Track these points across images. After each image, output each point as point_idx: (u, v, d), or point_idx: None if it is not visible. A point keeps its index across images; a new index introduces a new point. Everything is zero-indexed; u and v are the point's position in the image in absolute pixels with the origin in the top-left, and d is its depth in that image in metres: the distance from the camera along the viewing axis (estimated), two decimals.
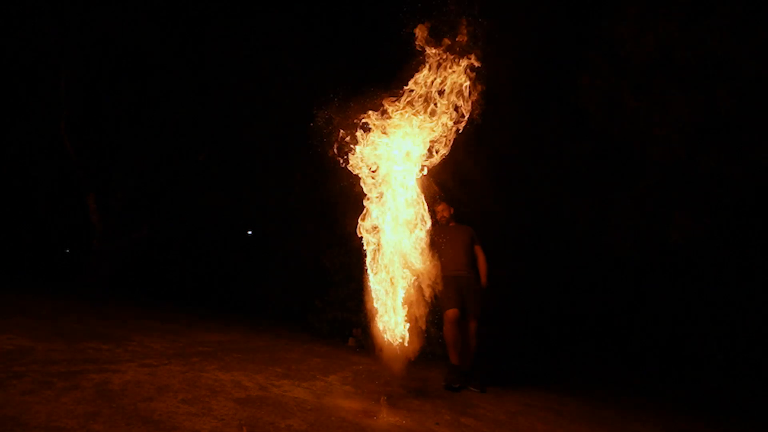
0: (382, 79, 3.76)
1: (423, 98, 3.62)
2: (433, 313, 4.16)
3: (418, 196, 3.63)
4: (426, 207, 3.68)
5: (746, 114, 5.84)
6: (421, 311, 3.57)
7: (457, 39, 3.61)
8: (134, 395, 2.51)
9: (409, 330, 3.49)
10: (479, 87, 3.65)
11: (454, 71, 3.64)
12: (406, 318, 3.46)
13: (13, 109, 9.95)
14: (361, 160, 3.60)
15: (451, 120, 3.63)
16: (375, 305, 3.51)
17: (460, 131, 3.67)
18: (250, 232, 12.68)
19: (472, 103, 3.65)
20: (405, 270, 3.51)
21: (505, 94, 8.11)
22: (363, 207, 3.63)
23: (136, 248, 10.91)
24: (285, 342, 5.69)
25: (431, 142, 3.65)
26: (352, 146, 3.60)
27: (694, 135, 6.08)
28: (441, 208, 4.62)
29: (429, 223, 3.68)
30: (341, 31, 10.22)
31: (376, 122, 3.57)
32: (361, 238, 3.57)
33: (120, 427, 2.07)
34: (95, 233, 10.03)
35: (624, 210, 7.11)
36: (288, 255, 10.06)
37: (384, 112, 3.59)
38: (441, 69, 3.66)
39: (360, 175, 3.63)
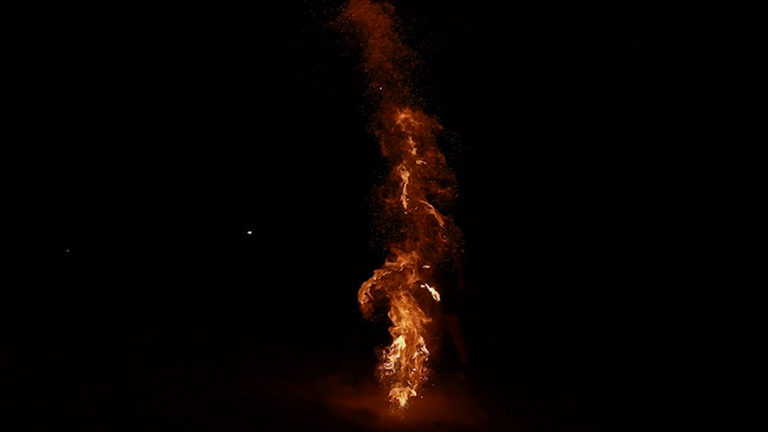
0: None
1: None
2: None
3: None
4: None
5: (746, 114, 5.84)
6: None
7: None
8: (134, 395, 2.52)
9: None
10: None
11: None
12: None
13: (12, 107, 9.94)
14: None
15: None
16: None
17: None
18: (249, 232, 12.67)
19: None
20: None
21: (502, 91, 8.13)
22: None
23: (134, 249, 10.90)
24: (285, 342, 5.68)
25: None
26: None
27: (694, 135, 6.09)
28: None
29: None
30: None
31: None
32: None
33: (113, 425, 2.07)
34: (94, 233, 10.02)
35: (623, 210, 7.10)
36: (288, 255, 10.05)
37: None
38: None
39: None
